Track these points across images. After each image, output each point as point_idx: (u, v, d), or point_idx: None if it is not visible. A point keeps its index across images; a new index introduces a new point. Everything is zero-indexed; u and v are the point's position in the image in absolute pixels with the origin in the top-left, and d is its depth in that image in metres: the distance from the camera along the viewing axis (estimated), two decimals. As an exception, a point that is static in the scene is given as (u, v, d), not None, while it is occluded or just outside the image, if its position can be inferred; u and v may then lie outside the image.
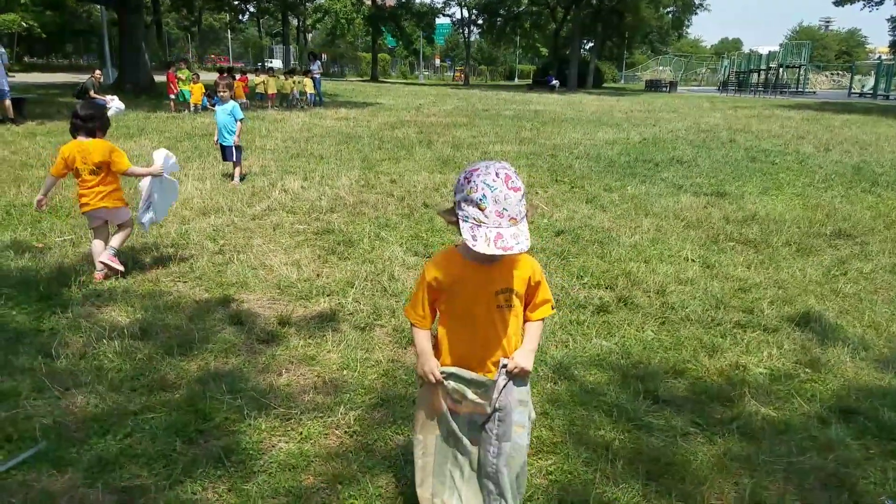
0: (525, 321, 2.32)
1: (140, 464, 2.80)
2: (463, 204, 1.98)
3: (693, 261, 5.93)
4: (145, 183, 5.31)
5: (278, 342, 4.13)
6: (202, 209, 7.45)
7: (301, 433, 3.11)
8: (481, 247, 1.92)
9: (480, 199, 1.94)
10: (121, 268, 5.08)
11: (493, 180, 1.95)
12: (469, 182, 1.97)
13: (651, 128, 17.85)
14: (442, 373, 2.27)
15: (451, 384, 2.27)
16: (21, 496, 2.57)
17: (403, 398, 3.44)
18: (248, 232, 6.69)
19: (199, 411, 3.21)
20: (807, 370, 3.89)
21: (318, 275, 5.42)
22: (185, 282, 5.16)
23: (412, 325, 2.30)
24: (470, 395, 2.27)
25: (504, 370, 2.25)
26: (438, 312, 2.30)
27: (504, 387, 2.26)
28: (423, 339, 2.29)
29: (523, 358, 2.27)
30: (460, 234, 1.98)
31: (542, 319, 2.34)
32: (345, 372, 3.76)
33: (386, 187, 9.18)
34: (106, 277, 5.05)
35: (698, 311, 4.72)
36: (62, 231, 6.38)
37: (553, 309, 2.34)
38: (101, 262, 5.03)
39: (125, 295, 4.76)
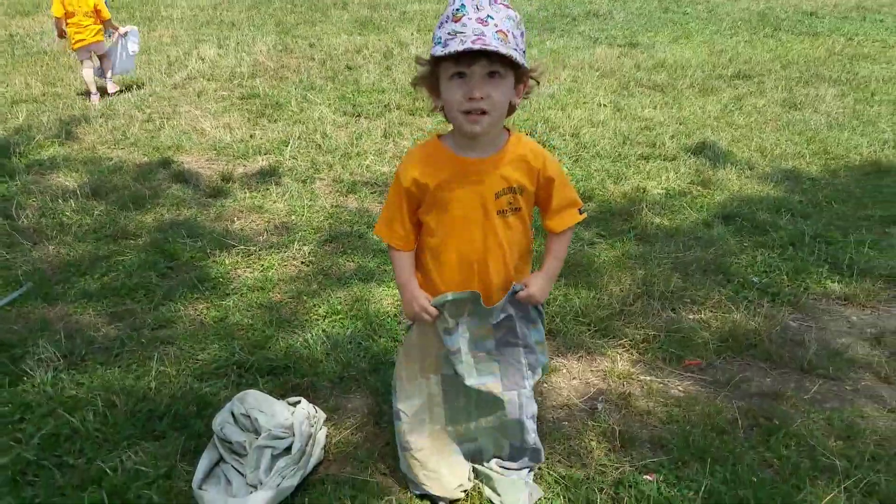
0: (546, 233, 1.84)
1: (122, 294, 3.15)
2: (436, 30, 1.53)
3: (605, 105, 6.42)
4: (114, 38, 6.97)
5: (225, 195, 4.42)
6: (120, 80, 7.28)
7: (262, 265, 3.51)
8: (453, 48, 1.45)
9: (456, 10, 1.49)
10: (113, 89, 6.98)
11: None
12: (448, 7, 1.53)
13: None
14: (435, 305, 1.77)
15: (448, 318, 1.79)
16: (22, 324, 2.90)
17: (350, 234, 3.86)
18: (172, 100, 6.67)
19: (165, 252, 3.54)
20: (698, 188, 4.55)
21: (251, 136, 5.61)
22: (122, 148, 5.26)
23: (389, 247, 1.82)
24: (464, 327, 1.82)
25: (511, 296, 1.80)
26: (422, 227, 1.80)
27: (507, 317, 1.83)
28: (405, 265, 1.81)
29: (537, 284, 1.79)
30: (437, 92, 1.61)
31: (569, 229, 1.82)
32: (293, 217, 4.12)
33: (305, 51, 9.08)
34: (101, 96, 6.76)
35: (607, 148, 5.26)
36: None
37: (582, 213, 1.82)
38: (107, 87, 6.98)
39: (66, 162, 4.86)
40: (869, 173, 4.82)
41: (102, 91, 6.96)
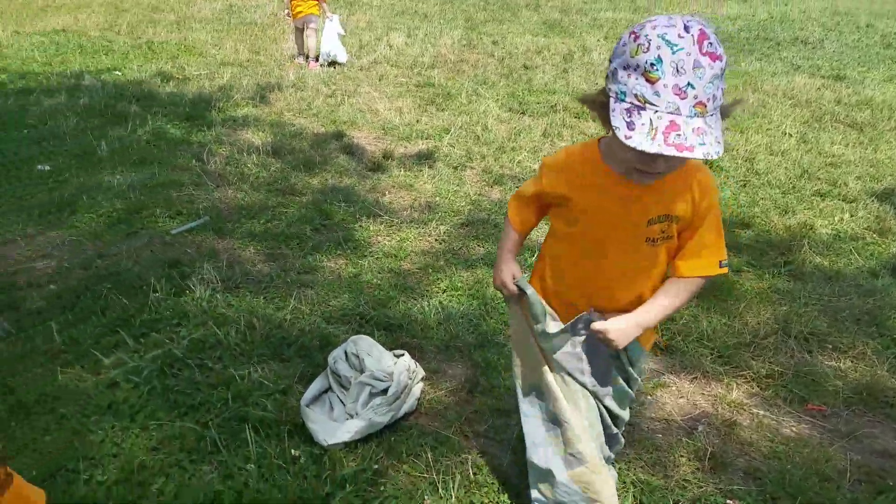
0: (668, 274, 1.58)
1: (279, 240, 3.58)
2: (620, 73, 1.26)
3: (790, 135, 6.01)
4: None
5: (383, 171, 4.78)
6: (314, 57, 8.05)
7: (400, 236, 3.79)
8: (639, 141, 1.22)
9: (651, 64, 1.21)
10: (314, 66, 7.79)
11: (679, 36, 1.20)
12: (637, 38, 1.24)
13: (782, 6, 16.56)
14: (518, 283, 1.70)
15: (532, 303, 1.68)
16: (194, 249, 3.41)
17: (486, 222, 4.03)
18: (356, 80, 7.25)
19: (322, 211, 3.94)
20: (874, 235, 4.11)
21: (417, 121, 5.97)
22: (305, 117, 5.86)
23: (507, 218, 1.76)
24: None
25: (581, 323, 1.62)
26: (551, 225, 1.68)
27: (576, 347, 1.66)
28: (510, 238, 1.75)
29: (618, 323, 1.55)
30: (608, 124, 1.29)
31: (699, 279, 1.54)
32: (437, 198, 4.38)
33: (487, 48, 9.41)
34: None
35: (781, 179, 4.94)
36: (198, 67, 7.17)
37: (723, 267, 1.53)
38: (312, 63, 7.85)
39: (256, 122, 5.51)
40: None
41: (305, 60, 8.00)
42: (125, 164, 4.40)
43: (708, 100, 1.22)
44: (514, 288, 1.70)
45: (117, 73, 6.83)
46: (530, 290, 1.67)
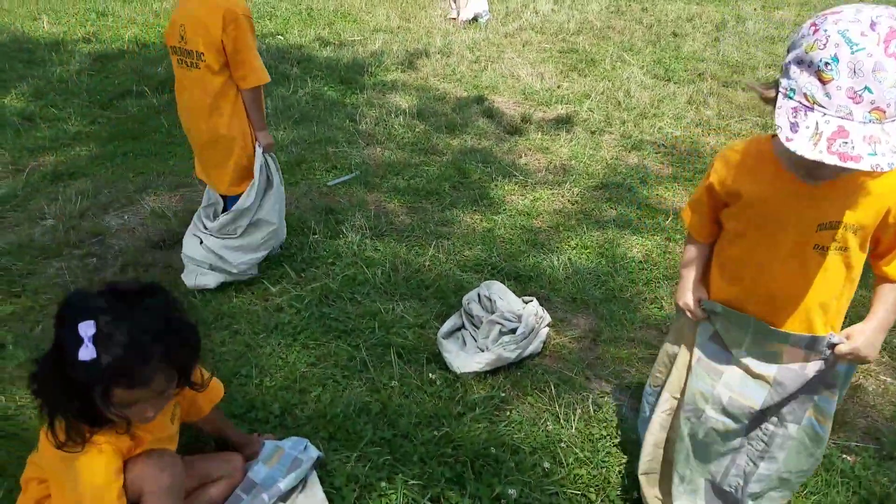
0: (876, 278, 1.46)
1: (421, 195, 3.86)
2: (793, 68, 1.19)
3: None
4: None
5: (520, 134, 4.92)
6: (465, 27, 8.26)
7: (534, 196, 3.93)
8: (800, 145, 1.14)
9: (826, 63, 1.12)
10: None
11: (861, 34, 1.10)
12: (816, 31, 1.15)
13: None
14: (705, 307, 1.61)
15: (720, 324, 1.59)
16: (346, 199, 3.77)
17: (620, 186, 4.07)
18: (500, 46, 7.38)
19: (460, 170, 4.17)
20: None
21: (558, 86, 6.02)
22: (449, 82, 6.10)
23: (687, 233, 1.69)
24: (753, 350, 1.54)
25: (830, 350, 1.46)
26: (723, 227, 1.58)
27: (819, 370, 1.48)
28: (690, 255, 1.67)
29: (865, 336, 1.43)
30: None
31: None
32: (573, 161, 4.46)
33: (636, 15, 9.14)
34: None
35: None
36: (352, 33, 7.63)
37: None
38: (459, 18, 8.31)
39: (404, 87, 5.83)
40: None
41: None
42: (287, 121, 4.87)
43: (889, 105, 1.10)
44: (700, 313, 1.62)
45: (280, 37, 7.43)
46: (719, 309, 1.57)
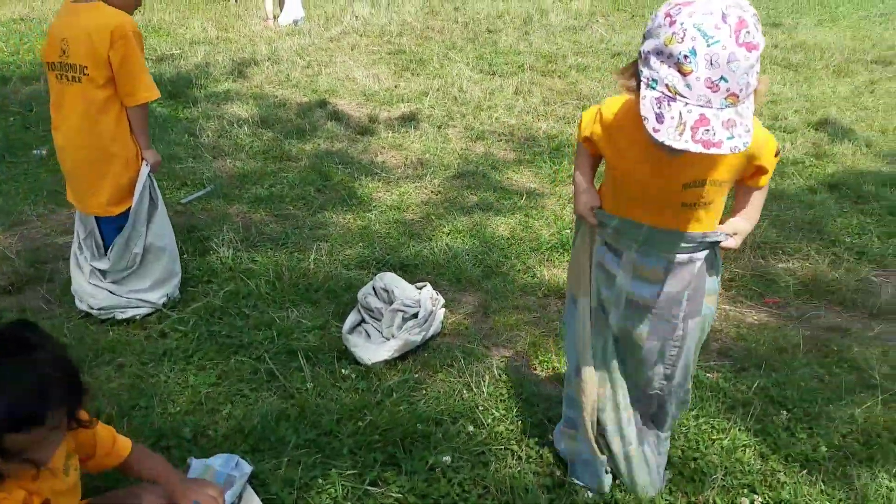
0: (739, 185, 1.60)
1: (286, 202, 3.83)
2: (653, 59, 1.24)
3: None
4: None
5: (371, 134, 5.03)
6: (287, 32, 8.15)
7: (400, 191, 4.06)
8: (667, 135, 1.22)
9: (685, 56, 1.19)
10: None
11: (716, 26, 1.17)
12: (672, 23, 1.20)
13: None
14: (598, 217, 1.65)
15: (611, 231, 1.66)
16: (207, 215, 3.64)
17: (475, 173, 4.33)
18: (329, 51, 7.41)
19: (321, 173, 4.19)
20: (812, 159, 4.65)
21: (395, 86, 6.20)
22: (285, 88, 6.03)
23: (579, 139, 1.68)
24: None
25: (708, 244, 1.58)
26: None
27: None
28: (580, 161, 1.70)
29: (741, 229, 1.62)
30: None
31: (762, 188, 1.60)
32: (427, 155, 4.65)
33: (450, 14, 9.58)
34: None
35: (733, 118, 5.36)
36: (169, 47, 7.24)
37: (777, 155, 1.55)
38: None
39: (239, 96, 5.67)
40: None
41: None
42: (122, 144, 4.56)
43: (741, 90, 1.19)
44: (594, 220, 1.65)
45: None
46: (616, 222, 1.63)
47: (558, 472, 2.04)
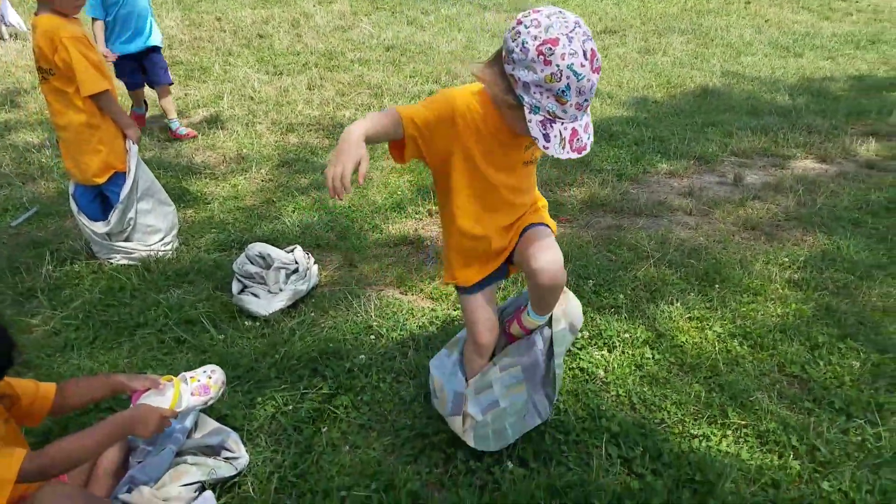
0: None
1: (123, 207, 3.90)
2: (533, 89, 1.48)
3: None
4: None
5: (179, 141, 5.14)
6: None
7: (231, 183, 4.32)
8: (555, 150, 1.51)
9: (563, 91, 1.46)
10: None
11: (581, 64, 1.44)
12: (549, 63, 1.44)
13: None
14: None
15: None
16: (45, 231, 3.62)
17: (298, 160, 4.72)
18: (100, 69, 7.13)
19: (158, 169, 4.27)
20: None
21: (185, 94, 6.27)
22: (70, 108, 5.80)
23: (400, 114, 1.62)
24: None
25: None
26: (446, 189, 1.80)
27: None
28: (381, 115, 1.61)
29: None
30: (517, 121, 1.55)
31: None
32: (244, 150, 4.92)
33: (214, 24, 9.58)
34: None
35: (499, 90, 6.35)
36: None
37: None
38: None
39: (21, 124, 5.37)
40: (699, 95, 6.20)
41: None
42: None
43: (589, 99, 1.50)
44: (348, 186, 1.47)
45: None
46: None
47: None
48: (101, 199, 3.33)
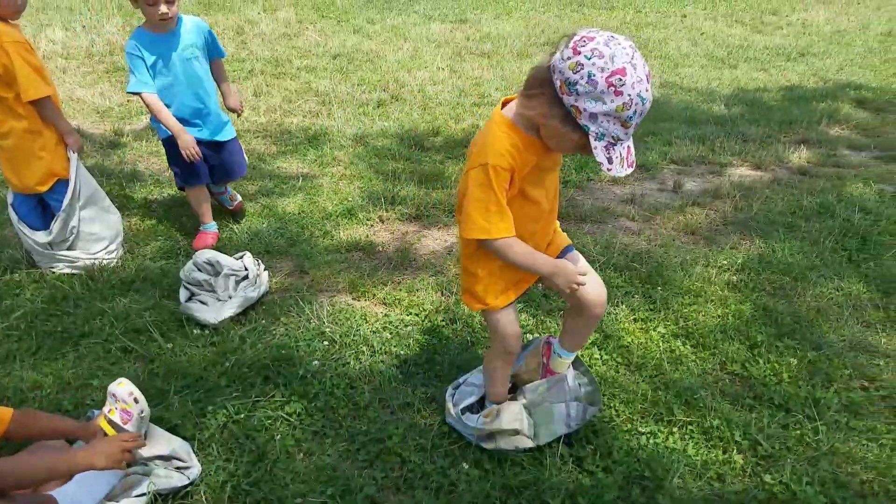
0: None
1: (63, 215, 3.77)
2: (601, 118, 1.50)
3: (443, 69, 7.59)
4: None
5: (122, 147, 5.01)
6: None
7: (177, 190, 4.23)
8: (617, 171, 1.55)
9: (629, 118, 1.50)
10: None
11: (647, 90, 1.48)
12: (619, 94, 1.46)
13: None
14: None
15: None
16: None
17: (252, 168, 4.64)
18: (35, 73, 6.89)
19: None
20: None
21: (128, 101, 6.11)
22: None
23: (499, 239, 1.76)
24: None
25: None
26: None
27: None
28: (522, 247, 1.81)
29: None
30: (563, 143, 1.62)
31: None
32: (190, 159, 4.83)
33: (158, 29, 9.41)
34: None
35: (448, 99, 6.42)
36: None
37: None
38: None
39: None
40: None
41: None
42: None
43: None
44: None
45: None
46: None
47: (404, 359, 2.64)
48: (41, 208, 3.22)
